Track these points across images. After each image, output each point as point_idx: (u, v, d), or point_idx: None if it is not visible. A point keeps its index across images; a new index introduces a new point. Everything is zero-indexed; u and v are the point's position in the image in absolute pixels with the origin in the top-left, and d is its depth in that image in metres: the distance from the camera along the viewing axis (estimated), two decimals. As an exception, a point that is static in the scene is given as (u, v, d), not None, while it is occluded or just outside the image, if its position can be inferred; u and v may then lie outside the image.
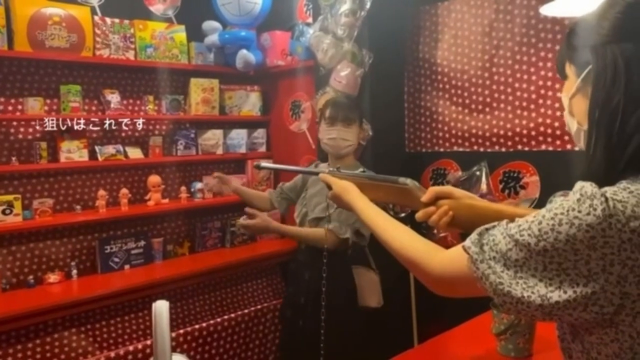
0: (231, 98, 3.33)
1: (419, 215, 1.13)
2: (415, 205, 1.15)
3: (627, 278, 0.68)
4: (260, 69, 3.29)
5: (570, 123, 0.88)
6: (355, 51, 2.65)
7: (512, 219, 0.79)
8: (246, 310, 2.86)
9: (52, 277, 2.63)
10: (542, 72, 2.41)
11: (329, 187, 1.33)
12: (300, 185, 2.42)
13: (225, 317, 2.77)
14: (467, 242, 0.81)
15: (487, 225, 0.81)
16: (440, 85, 2.78)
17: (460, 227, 1.10)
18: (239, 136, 3.36)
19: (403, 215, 1.22)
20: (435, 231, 2.40)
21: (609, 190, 0.70)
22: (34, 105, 2.59)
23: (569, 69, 0.86)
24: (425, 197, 1.12)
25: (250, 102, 3.40)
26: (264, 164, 1.87)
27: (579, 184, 0.72)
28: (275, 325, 2.95)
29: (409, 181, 1.17)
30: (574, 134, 0.88)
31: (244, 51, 3.10)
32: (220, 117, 3.28)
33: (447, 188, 1.12)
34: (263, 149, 3.48)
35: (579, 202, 0.70)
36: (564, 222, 0.70)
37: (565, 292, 0.70)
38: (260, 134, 3.47)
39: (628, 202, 0.68)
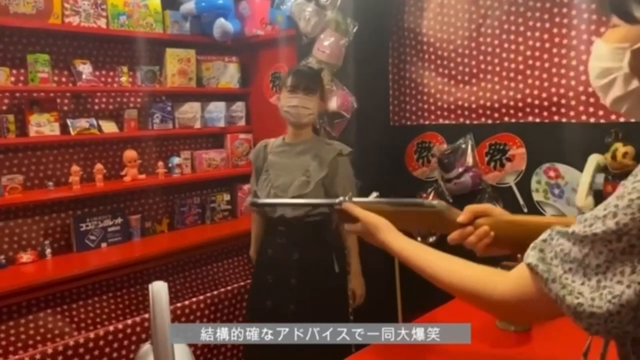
0: (209, 69, 3.22)
1: (454, 236, 1.03)
2: (446, 227, 1.06)
3: None
4: (239, 39, 3.17)
5: (625, 82, 0.74)
6: (339, 19, 2.56)
7: None
8: (229, 287, 2.80)
9: (25, 257, 2.53)
10: (530, 42, 2.36)
11: (348, 220, 1.14)
12: (258, 171, 2.29)
13: (208, 294, 2.71)
14: (531, 259, 0.71)
15: (542, 237, 0.71)
16: (426, 56, 2.71)
17: (500, 248, 1.02)
18: (217, 109, 3.25)
19: (432, 240, 1.10)
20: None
21: None
22: (-1, 75, 2.44)
23: None
24: (462, 217, 1.04)
25: (228, 74, 3.28)
26: (261, 200, 1.66)
27: None
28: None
29: (436, 202, 1.08)
30: (625, 94, 0.75)
31: (221, 20, 2.98)
32: (198, 89, 3.17)
33: (484, 206, 1.05)
34: (242, 122, 3.38)
35: None
36: None
37: None
38: (239, 107, 3.36)
39: None
